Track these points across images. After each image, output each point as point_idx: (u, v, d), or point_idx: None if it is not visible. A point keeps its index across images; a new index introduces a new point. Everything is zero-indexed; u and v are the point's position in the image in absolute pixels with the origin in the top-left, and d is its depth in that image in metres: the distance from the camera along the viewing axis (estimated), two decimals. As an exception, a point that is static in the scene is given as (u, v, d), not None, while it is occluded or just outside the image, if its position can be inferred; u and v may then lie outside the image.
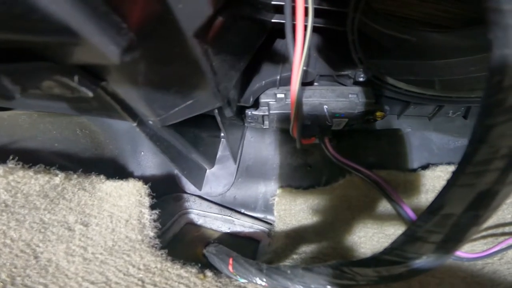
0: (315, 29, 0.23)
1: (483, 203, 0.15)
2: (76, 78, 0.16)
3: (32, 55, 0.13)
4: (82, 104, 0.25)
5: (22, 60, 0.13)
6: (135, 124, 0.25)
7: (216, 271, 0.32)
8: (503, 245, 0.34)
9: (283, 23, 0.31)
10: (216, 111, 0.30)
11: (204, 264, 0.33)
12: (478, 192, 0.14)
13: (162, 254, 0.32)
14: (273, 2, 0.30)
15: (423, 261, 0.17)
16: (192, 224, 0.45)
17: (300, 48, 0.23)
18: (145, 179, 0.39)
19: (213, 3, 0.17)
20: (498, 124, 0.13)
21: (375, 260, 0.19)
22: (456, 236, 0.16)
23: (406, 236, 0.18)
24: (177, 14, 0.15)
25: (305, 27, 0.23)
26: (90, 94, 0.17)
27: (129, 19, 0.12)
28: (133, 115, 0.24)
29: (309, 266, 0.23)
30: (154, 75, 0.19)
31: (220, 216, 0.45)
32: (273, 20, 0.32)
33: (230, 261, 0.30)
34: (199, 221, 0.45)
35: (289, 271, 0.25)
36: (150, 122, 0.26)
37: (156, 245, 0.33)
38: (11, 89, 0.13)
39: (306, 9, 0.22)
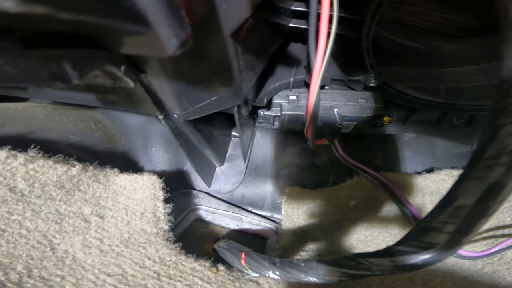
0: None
1: (492, 195, 0.16)
2: (123, 68, 0.17)
3: (90, 43, 0.14)
4: (111, 96, 0.26)
5: (82, 47, 0.14)
6: (161, 117, 0.26)
7: (228, 266, 0.32)
8: (503, 246, 0.35)
9: (300, 28, 0.33)
10: (236, 109, 0.32)
11: (214, 259, 0.33)
12: (488, 184, 0.16)
13: (176, 247, 0.32)
14: (292, 8, 0.32)
15: (436, 251, 0.18)
16: (201, 221, 0.46)
17: (322, 54, 0.25)
18: (155, 174, 0.39)
19: (251, 6, 0.18)
20: (505, 125, 0.15)
21: (391, 251, 0.20)
22: (468, 226, 0.17)
23: (421, 227, 0.19)
24: (221, 14, 0.17)
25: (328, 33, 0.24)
26: (131, 84, 0.18)
27: (190, 14, 0.14)
28: (161, 107, 0.26)
29: (322, 259, 0.24)
30: (189, 69, 0.21)
31: (229, 213, 0.46)
32: (291, 25, 0.33)
33: (243, 255, 0.31)
34: (208, 217, 0.46)
35: (302, 264, 0.26)
36: (175, 116, 0.27)
37: (170, 239, 0.33)
38: (70, 74, 0.14)
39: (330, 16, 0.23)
